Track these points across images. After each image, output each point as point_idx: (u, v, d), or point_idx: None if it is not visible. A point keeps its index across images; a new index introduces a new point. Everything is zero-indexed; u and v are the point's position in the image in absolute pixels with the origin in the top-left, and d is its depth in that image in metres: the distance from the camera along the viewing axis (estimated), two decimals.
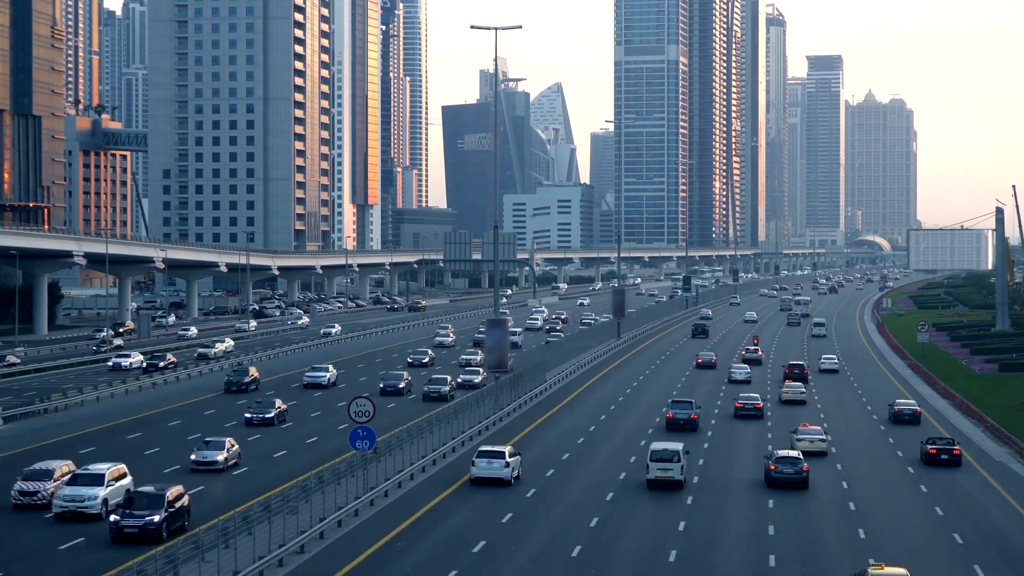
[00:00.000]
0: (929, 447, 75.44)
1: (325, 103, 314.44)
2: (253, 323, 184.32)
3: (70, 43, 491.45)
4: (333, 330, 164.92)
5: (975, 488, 68.49)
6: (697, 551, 52.64)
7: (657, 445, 68.41)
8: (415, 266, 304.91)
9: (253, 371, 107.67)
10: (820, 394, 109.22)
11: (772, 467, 67.12)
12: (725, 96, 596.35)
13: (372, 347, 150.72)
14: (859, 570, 46.34)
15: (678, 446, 67.73)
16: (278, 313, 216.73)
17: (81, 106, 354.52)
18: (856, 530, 57.19)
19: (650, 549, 52.61)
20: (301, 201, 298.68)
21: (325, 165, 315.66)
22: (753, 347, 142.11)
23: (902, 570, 45.13)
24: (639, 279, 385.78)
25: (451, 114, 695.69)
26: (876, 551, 52.41)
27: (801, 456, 68.13)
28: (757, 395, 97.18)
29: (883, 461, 76.98)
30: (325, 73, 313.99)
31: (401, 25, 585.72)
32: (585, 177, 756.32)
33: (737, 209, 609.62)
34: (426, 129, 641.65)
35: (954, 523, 59.00)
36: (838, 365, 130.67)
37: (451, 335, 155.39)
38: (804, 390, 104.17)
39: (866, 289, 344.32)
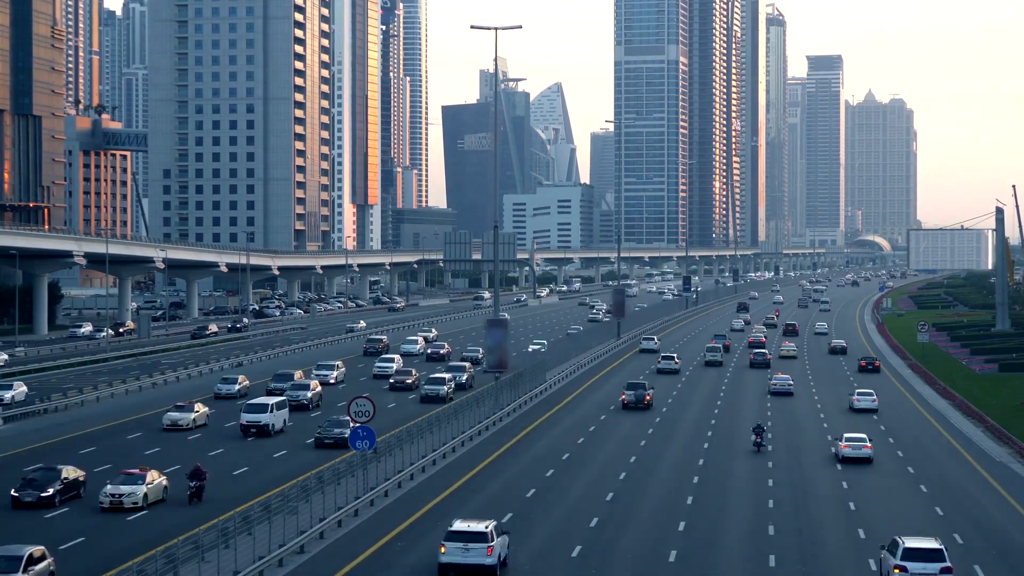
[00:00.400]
0: (861, 361, 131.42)
1: (325, 103, 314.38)
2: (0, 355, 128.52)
3: (70, 43, 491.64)
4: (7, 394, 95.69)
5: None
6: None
7: (708, 344, 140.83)
8: (415, 266, 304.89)
9: None
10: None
11: (752, 357, 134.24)
12: (725, 96, 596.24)
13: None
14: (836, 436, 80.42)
15: (720, 344, 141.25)
16: (278, 313, 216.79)
17: (81, 106, 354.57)
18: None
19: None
20: (301, 201, 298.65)
21: (325, 165, 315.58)
22: (771, 317, 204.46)
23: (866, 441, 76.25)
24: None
25: (451, 114, 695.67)
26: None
27: (766, 351, 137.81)
28: (763, 334, 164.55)
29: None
30: (325, 73, 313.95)
31: (401, 25, 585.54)
32: (585, 177, 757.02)
33: (737, 209, 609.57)
34: (426, 129, 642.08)
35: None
36: (827, 329, 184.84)
37: (198, 410, 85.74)
38: (765, 330, 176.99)
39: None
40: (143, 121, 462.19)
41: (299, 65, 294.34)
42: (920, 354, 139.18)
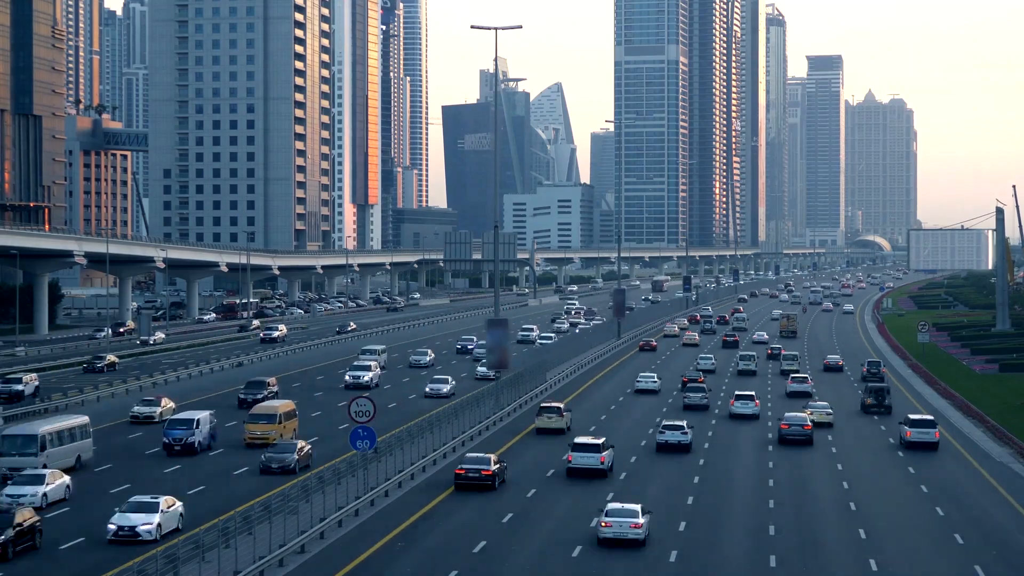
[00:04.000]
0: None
1: (325, 103, 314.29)
2: None
3: (71, 43, 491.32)
4: None
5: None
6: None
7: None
8: (415, 266, 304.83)
9: None
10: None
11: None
12: (725, 96, 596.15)
13: None
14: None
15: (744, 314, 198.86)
16: (278, 313, 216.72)
17: (82, 106, 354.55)
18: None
19: None
20: (301, 201, 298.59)
21: (325, 165, 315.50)
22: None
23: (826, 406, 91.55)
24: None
25: (451, 114, 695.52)
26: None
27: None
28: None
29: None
30: (325, 73, 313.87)
31: (401, 25, 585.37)
32: (585, 177, 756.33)
33: (737, 209, 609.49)
34: (426, 129, 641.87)
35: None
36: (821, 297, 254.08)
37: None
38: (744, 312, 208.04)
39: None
40: (143, 121, 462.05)
41: (299, 65, 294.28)
42: (920, 354, 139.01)
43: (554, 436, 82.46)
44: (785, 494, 65.39)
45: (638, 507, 54.01)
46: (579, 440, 69.98)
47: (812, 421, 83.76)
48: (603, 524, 53.04)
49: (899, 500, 64.88)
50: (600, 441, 69.75)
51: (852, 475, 71.37)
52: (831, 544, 55.02)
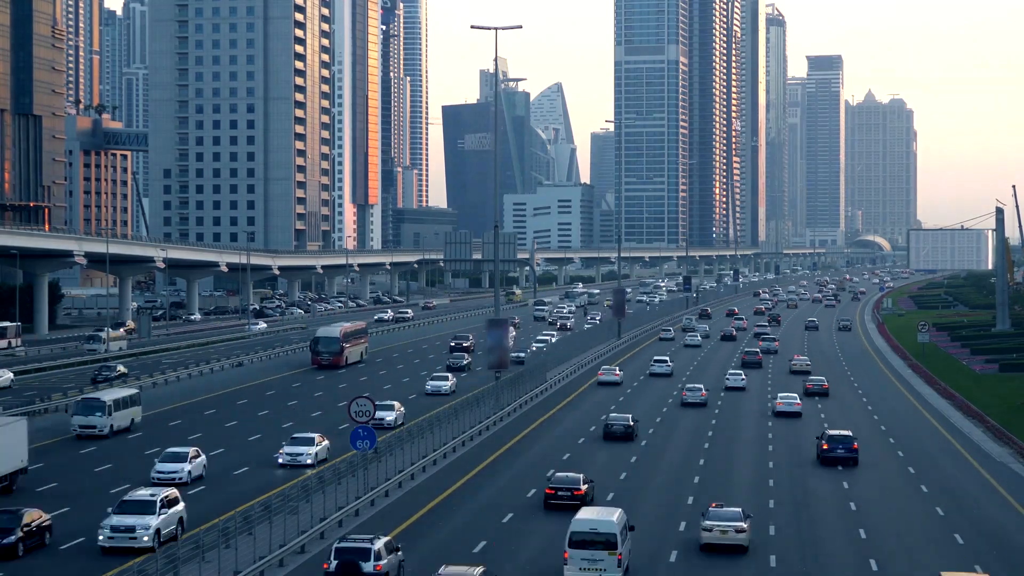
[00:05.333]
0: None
1: (325, 103, 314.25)
2: None
3: (71, 43, 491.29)
4: None
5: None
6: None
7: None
8: (415, 266, 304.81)
9: None
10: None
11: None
12: (725, 96, 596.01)
13: None
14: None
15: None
16: (278, 313, 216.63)
17: (82, 106, 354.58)
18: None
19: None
20: (301, 201, 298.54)
21: (325, 165, 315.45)
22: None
23: None
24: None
25: (451, 114, 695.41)
26: None
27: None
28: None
29: None
30: (325, 73, 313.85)
31: (401, 25, 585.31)
32: (585, 177, 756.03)
33: (737, 209, 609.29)
34: (426, 129, 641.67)
35: None
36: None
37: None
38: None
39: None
40: (143, 121, 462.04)
41: (299, 65, 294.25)
42: (920, 354, 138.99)
43: (555, 435, 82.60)
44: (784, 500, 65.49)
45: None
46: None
47: None
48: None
49: (899, 500, 64.84)
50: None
51: (851, 475, 71.32)
52: (830, 545, 55.03)
